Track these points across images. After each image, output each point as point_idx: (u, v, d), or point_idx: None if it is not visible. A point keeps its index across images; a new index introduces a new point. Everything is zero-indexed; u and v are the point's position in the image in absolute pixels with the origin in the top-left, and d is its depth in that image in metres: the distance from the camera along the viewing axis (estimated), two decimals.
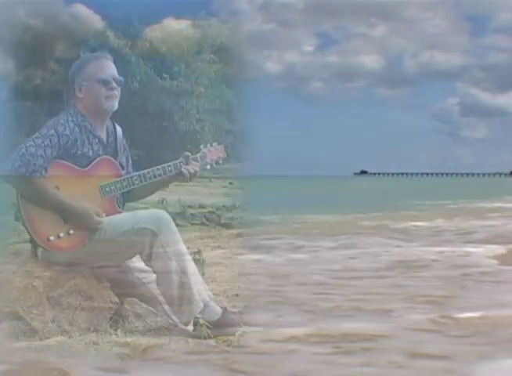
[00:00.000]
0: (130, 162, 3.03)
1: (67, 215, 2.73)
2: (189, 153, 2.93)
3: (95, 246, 2.76)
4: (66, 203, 2.72)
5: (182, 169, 2.88)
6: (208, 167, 2.99)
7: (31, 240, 2.82)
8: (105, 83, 2.83)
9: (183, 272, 2.74)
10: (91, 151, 2.81)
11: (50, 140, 2.70)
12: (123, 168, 2.92)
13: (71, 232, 2.74)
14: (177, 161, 2.90)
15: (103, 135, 2.89)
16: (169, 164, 2.89)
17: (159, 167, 2.87)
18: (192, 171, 2.89)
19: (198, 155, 2.97)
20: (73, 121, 2.80)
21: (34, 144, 2.67)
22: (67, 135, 2.74)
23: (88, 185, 2.78)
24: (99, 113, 2.86)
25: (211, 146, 3.01)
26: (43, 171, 2.66)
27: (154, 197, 3.20)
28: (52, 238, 2.72)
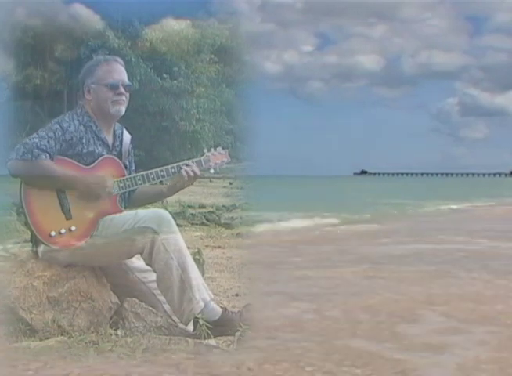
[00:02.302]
0: (133, 168, 3.04)
1: (79, 187, 2.73)
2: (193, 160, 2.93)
3: (95, 244, 2.76)
4: (76, 176, 2.73)
5: (182, 170, 2.87)
6: (212, 171, 2.98)
7: (32, 239, 2.82)
8: (113, 87, 2.83)
9: (184, 271, 2.73)
10: (96, 151, 2.82)
11: (54, 133, 2.71)
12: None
13: (73, 228, 2.74)
14: (180, 163, 2.90)
15: (109, 138, 2.90)
16: (172, 165, 2.88)
17: (162, 168, 2.87)
18: (191, 173, 2.87)
19: (202, 158, 2.96)
20: (78, 119, 2.82)
21: (37, 136, 2.69)
22: (72, 131, 2.76)
23: None
24: (105, 116, 2.87)
25: (215, 150, 3.00)
26: (47, 156, 2.67)
27: None
28: (53, 234, 2.72)
